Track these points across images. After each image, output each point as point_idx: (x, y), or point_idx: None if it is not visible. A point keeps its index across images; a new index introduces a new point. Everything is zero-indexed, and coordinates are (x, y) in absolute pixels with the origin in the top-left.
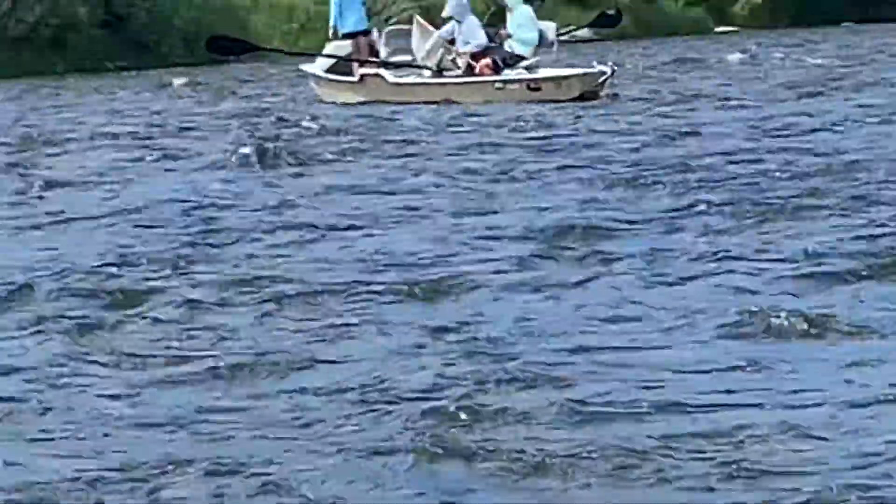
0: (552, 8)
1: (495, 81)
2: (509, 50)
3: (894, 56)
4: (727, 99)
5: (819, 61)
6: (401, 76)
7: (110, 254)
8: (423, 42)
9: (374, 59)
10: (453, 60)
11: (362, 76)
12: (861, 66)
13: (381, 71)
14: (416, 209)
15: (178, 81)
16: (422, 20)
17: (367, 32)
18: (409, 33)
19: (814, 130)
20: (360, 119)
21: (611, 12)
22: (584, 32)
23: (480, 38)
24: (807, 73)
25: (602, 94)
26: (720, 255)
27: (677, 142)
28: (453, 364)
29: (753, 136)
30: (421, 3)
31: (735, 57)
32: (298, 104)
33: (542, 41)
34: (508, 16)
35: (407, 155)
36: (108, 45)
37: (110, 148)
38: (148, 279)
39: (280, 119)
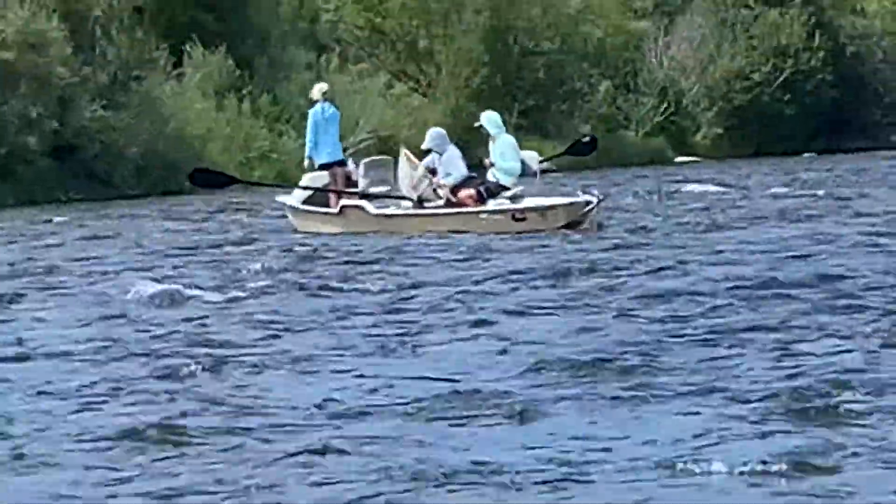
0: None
1: (480, 212)
2: (493, 179)
3: (859, 184)
4: (710, 228)
5: (789, 190)
6: (382, 207)
7: (95, 385)
8: (411, 173)
9: (352, 190)
10: (435, 191)
11: (342, 208)
12: (829, 195)
13: (363, 202)
14: (402, 340)
15: (143, 211)
16: (408, 152)
17: (342, 163)
18: (386, 164)
19: (792, 257)
20: (337, 250)
21: (586, 139)
22: (545, 163)
23: (461, 170)
24: (780, 201)
25: (587, 223)
26: (707, 389)
27: (668, 272)
28: (445, 493)
29: (739, 262)
30: (378, 134)
31: (707, 187)
32: (274, 235)
33: (525, 170)
34: (491, 145)
35: (393, 285)
36: (59, 176)
37: (80, 282)
38: (135, 410)
39: (259, 249)
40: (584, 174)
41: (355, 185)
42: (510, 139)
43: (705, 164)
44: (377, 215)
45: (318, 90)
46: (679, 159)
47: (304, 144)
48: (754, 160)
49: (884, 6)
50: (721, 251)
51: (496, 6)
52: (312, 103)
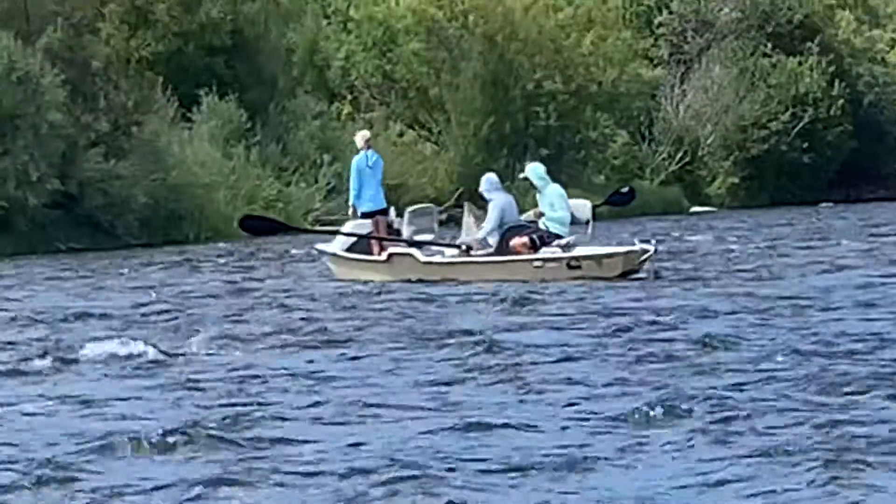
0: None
1: (534, 260)
2: (545, 228)
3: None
4: (764, 276)
5: (829, 244)
6: (430, 255)
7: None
8: (473, 227)
9: (399, 238)
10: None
11: (391, 255)
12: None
13: (412, 250)
14: (445, 395)
15: (171, 258)
16: (471, 207)
17: (385, 211)
18: (430, 212)
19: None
20: (387, 299)
21: (624, 190)
22: None
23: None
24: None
25: (643, 272)
26: (751, 448)
27: (734, 320)
28: None
29: (786, 314)
30: (387, 182)
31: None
32: (316, 284)
33: (575, 220)
34: (538, 196)
35: (440, 338)
36: (60, 226)
37: (99, 329)
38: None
39: (303, 298)
40: (603, 224)
41: (396, 233)
42: (558, 189)
43: (722, 213)
44: (427, 263)
45: (361, 138)
46: (694, 209)
47: (312, 193)
48: (769, 211)
49: None
50: (776, 302)
51: (502, 54)
52: (356, 151)
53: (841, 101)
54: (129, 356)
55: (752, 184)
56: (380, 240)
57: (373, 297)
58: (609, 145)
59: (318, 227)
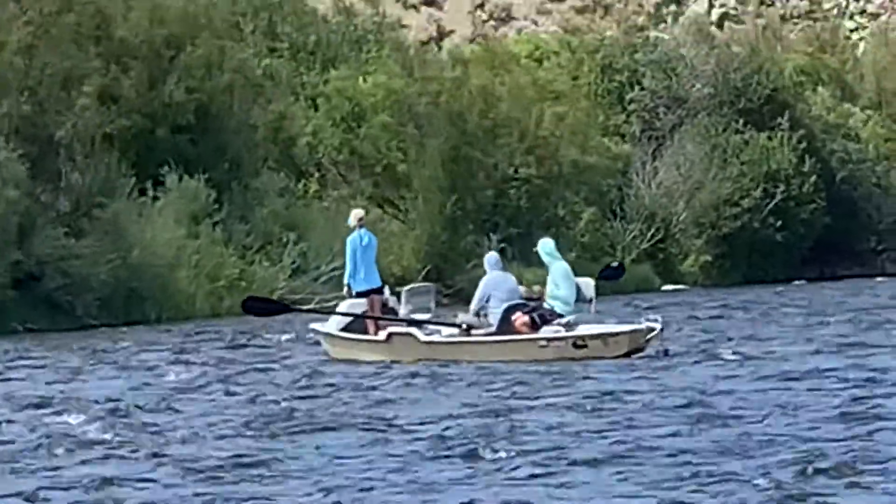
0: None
1: (539, 339)
2: (548, 307)
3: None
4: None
5: (827, 319)
6: (430, 335)
7: None
8: None
9: (398, 318)
10: (485, 316)
11: (391, 334)
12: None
13: (412, 329)
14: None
15: (135, 339)
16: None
17: (379, 290)
18: (427, 291)
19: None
20: (384, 379)
21: (615, 265)
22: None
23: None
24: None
25: (650, 351)
26: None
27: (739, 404)
28: None
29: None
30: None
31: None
32: (310, 365)
33: (580, 297)
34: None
35: (442, 418)
36: (18, 306)
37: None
38: None
39: (299, 380)
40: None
41: (391, 312)
42: (563, 267)
43: (693, 291)
44: (428, 343)
45: (354, 217)
46: (665, 287)
47: (276, 272)
48: (743, 289)
49: (877, 131)
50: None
51: (468, 130)
52: (350, 230)
53: (813, 178)
54: (104, 443)
55: (724, 262)
56: (376, 319)
57: (370, 378)
58: (577, 222)
59: (317, 307)
